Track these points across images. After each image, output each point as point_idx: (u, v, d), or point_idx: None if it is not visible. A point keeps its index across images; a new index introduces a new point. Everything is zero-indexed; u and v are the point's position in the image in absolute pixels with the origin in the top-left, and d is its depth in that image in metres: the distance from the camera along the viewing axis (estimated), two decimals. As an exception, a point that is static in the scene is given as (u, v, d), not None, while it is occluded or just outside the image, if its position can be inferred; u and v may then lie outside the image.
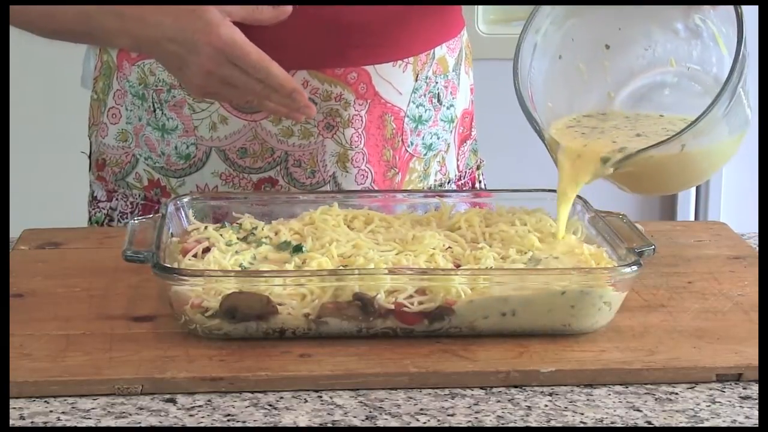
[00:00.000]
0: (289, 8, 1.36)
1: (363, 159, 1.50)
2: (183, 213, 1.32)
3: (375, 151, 1.51)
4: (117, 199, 1.55)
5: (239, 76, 1.32)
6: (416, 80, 1.52)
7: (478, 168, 1.67)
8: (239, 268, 1.19)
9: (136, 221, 1.26)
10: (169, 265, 1.16)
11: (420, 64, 1.52)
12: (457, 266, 1.21)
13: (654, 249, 1.21)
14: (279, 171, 1.49)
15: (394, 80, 1.50)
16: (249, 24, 1.34)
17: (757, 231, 1.49)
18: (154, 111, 1.49)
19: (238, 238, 1.26)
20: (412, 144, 1.54)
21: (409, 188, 1.54)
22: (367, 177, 1.51)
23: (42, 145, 3.22)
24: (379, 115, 1.50)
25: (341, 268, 1.18)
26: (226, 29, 1.30)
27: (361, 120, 1.49)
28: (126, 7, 1.34)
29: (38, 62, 3.00)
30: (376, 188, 1.51)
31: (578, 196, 1.35)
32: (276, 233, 1.27)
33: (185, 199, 1.33)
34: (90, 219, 1.59)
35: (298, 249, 1.22)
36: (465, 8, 1.62)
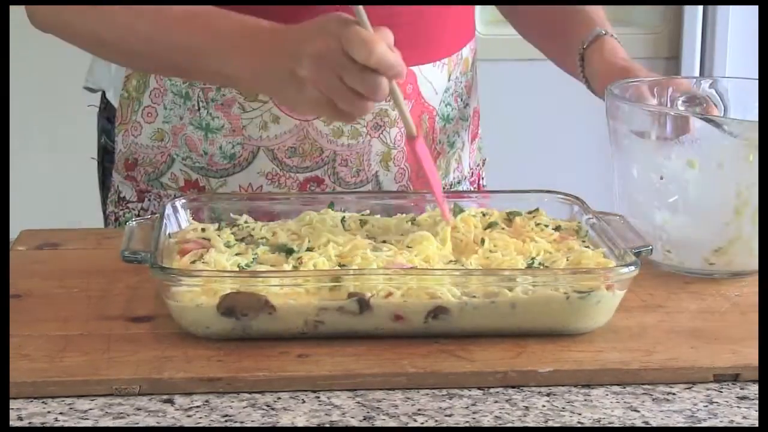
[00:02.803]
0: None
1: (403, 157, 1.52)
2: (181, 214, 1.32)
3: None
4: (149, 200, 1.53)
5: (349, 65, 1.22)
6: (448, 80, 1.54)
7: (483, 165, 1.68)
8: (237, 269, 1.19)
9: (134, 222, 1.26)
10: (167, 266, 1.16)
11: (452, 64, 1.54)
12: (455, 266, 1.21)
13: (651, 249, 1.21)
14: (326, 170, 1.49)
15: (434, 80, 1.52)
16: None
17: (755, 231, 1.49)
18: (198, 110, 1.48)
19: (235, 239, 1.26)
20: (440, 142, 1.55)
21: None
22: (404, 175, 1.52)
23: (42, 146, 3.22)
24: (418, 115, 1.51)
25: (338, 268, 1.18)
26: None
27: None
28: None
29: (39, 64, 3.01)
30: (410, 186, 1.52)
31: (576, 197, 1.35)
32: (273, 234, 1.27)
33: (183, 200, 1.33)
34: (117, 220, 1.56)
35: (290, 252, 1.22)
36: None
